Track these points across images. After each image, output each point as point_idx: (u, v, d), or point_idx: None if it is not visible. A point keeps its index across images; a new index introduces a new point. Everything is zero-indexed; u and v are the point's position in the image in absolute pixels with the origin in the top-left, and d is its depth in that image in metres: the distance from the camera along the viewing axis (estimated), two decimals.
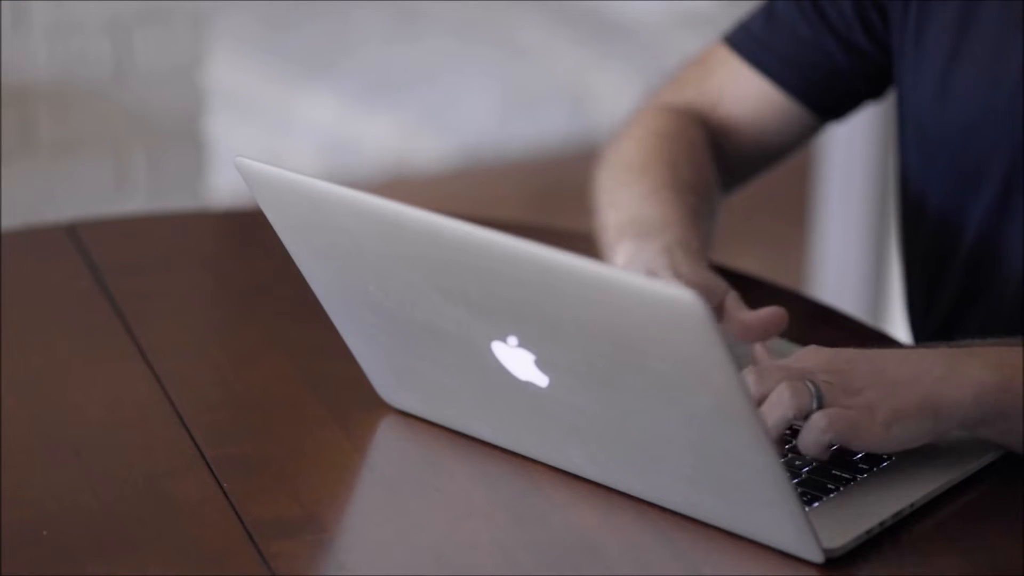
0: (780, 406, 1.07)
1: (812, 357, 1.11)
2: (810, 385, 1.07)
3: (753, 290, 1.33)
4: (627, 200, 1.34)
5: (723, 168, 1.45)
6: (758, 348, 1.19)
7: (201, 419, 1.21)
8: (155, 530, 1.08)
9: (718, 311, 1.20)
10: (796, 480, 1.09)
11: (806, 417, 1.07)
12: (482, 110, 4.13)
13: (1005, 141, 1.34)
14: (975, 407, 1.09)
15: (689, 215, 1.31)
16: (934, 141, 1.38)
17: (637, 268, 1.22)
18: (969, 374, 1.09)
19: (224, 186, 2.96)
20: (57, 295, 1.42)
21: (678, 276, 1.20)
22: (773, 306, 1.19)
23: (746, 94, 1.45)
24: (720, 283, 1.21)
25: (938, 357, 1.10)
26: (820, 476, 1.10)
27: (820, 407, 1.07)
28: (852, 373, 1.09)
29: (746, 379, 1.08)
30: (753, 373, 1.09)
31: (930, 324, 1.45)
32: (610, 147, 1.45)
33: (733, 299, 1.20)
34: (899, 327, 2.61)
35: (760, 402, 1.08)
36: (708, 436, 1.01)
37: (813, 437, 1.07)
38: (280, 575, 1.03)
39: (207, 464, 1.15)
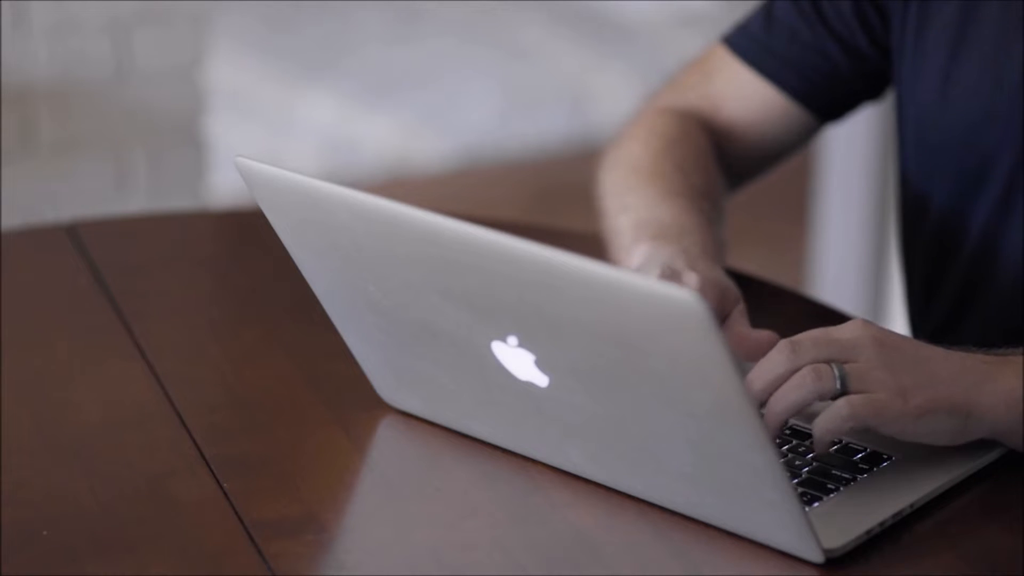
0: (801, 388, 1.07)
1: (859, 328, 1.10)
2: (835, 368, 1.07)
3: (754, 290, 1.34)
4: (641, 203, 1.33)
5: (726, 170, 1.45)
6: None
7: (201, 419, 1.21)
8: (155, 530, 1.08)
9: (724, 318, 1.20)
10: (796, 480, 1.09)
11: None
12: (482, 110, 4.13)
13: (1007, 141, 1.34)
14: (1006, 416, 1.09)
15: (704, 222, 1.31)
16: (936, 141, 1.38)
17: (654, 268, 1.22)
18: (1005, 383, 1.09)
19: (224, 186, 2.97)
20: (57, 295, 1.42)
21: (695, 273, 1.19)
22: (770, 332, 1.19)
23: (748, 97, 1.45)
24: (734, 289, 1.21)
25: (978, 362, 1.11)
26: (820, 476, 1.10)
27: (844, 391, 1.07)
28: (896, 352, 1.09)
29: (781, 349, 1.09)
30: (788, 345, 1.09)
31: (930, 323, 1.45)
32: (613, 149, 1.45)
33: (739, 311, 1.20)
34: (899, 326, 2.60)
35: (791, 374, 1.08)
36: (708, 436, 1.01)
37: (834, 424, 1.07)
38: (280, 575, 1.03)
39: (207, 464, 1.15)
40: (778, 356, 1.09)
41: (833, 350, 1.08)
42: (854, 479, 1.09)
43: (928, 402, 1.08)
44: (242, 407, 1.25)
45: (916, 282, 1.47)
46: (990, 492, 1.11)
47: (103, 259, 1.47)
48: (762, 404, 1.09)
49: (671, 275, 1.19)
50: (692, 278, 1.19)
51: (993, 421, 1.10)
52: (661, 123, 1.44)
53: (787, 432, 1.14)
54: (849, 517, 1.06)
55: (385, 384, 1.20)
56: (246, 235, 1.59)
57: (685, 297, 0.92)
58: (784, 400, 1.08)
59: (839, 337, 1.09)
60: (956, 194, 1.39)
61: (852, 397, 1.07)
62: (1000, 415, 1.09)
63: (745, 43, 1.46)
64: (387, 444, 1.19)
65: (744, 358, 1.19)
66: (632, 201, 1.35)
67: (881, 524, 1.06)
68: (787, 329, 1.21)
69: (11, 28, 2.43)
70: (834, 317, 1.39)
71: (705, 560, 1.05)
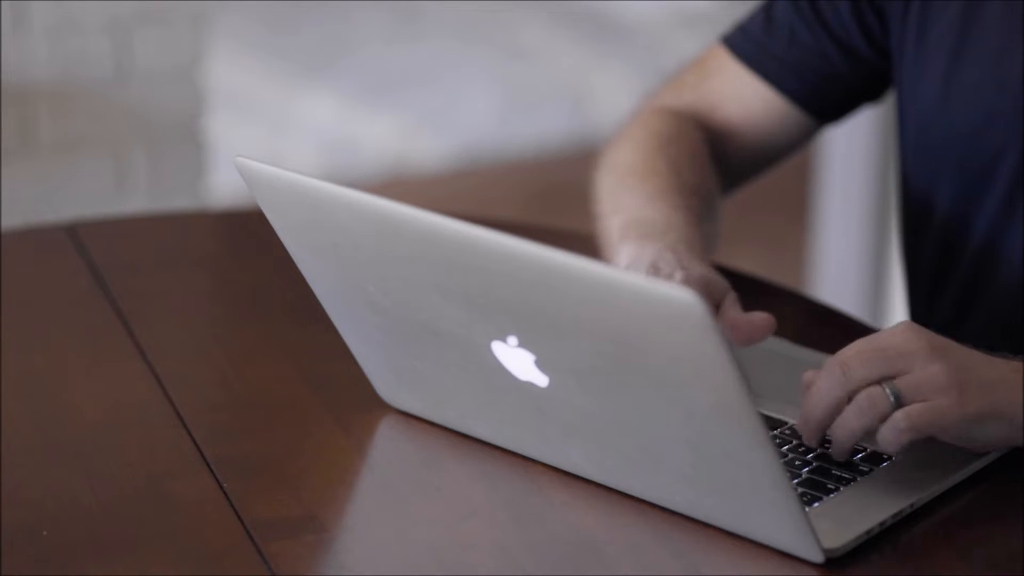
0: (860, 418, 1.07)
1: (908, 333, 1.10)
2: (886, 388, 1.07)
3: (753, 290, 1.34)
4: (630, 203, 1.34)
5: (722, 170, 1.45)
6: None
7: (201, 419, 1.21)
8: (155, 530, 1.08)
9: (715, 310, 1.20)
10: (796, 480, 1.09)
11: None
12: (482, 110, 4.13)
13: (1010, 142, 1.34)
14: None
15: (692, 218, 1.31)
16: (938, 143, 1.38)
17: (640, 267, 1.22)
18: None
19: (224, 186, 2.97)
20: (57, 295, 1.42)
21: (682, 270, 1.19)
22: (762, 312, 1.19)
23: (745, 98, 1.45)
24: (722, 282, 1.21)
25: (1013, 371, 1.11)
26: (820, 476, 1.10)
27: (899, 406, 1.07)
28: (949, 357, 1.09)
29: (831, 372, 1.08)
30: (839, 367, 1.08)
31: (933, 324, 1.45)
32: (609, 149, 1.45)
33: (731, 300, 1.20)
34: None
35: (848, 399, 1.08)
36: (708, 435, 1.01)
37: (893, 436, 1.07)
38: (280, 575, 1.03)
39: (207, 464, 1.15)
40: (830, 381, 1.08)
41: (884, 365, 1.08)
42: (854, 479, 1.09)
43: (985, 407, 1.08)
44: (242, 407, 1.25)
45: (920, 283, 1.47)
46: (990, 492, 1.11)
47: (103, 259, 1.47)
48: (823, 432, 1.10)
49: (656, 276, 1.19)
50: (677, 276, 1.18)
51: None
52: (656, 122, 1.44)
53: (787, 432, 1.14)
54: (849, 517, 1.06)
55: (385, 384, 1.20)
56: (246, 235, 1.59)
57: (685, 297, 0.92)
58: (845, 429, 1.08)
59: (888, 346, 1.09)
60: (959, 196, 1.39)
61: (910, 408, 1.07)
62: None
63: (744, 44, 1.46)
64: (387, 444, 1.19)
65: (738, 343, 1.18)
66: (622, 202, 1.35)
67: (881, 524, 1.06)
68: (787, 329, 1.21)
69: (11, 28, 2.43)
70: (834, 317, 1.39)
71: (705, 560, 1.05)
